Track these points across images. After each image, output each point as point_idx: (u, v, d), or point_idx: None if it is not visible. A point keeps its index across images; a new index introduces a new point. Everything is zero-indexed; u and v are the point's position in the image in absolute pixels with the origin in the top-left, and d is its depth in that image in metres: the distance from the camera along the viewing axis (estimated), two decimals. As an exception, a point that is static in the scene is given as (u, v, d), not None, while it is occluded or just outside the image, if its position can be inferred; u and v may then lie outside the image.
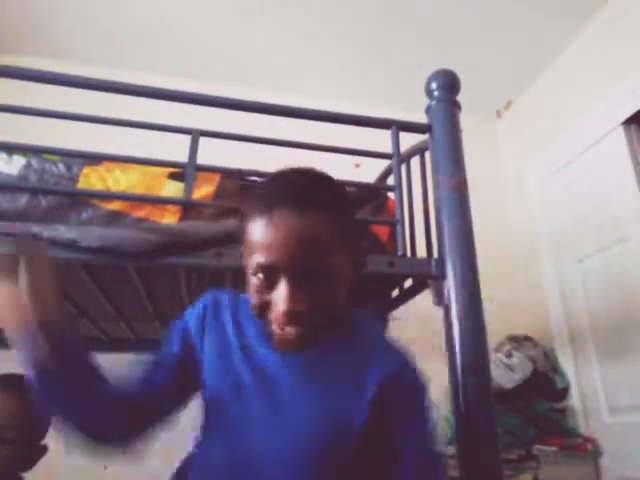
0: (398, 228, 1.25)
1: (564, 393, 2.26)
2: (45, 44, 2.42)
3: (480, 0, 2.27)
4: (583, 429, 2.17)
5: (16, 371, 1.22)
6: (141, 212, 1.13)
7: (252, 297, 0.65)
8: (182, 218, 1.14)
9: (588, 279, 2.27)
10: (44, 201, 1.08)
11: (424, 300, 1.28)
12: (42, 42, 2.42)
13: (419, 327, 1.87)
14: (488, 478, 1.06)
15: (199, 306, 0.78)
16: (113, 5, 2.26)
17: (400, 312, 1.54)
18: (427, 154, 1.39)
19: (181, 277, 1.23)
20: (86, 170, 1.16)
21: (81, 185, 1.14)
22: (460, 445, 1.12)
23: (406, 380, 0.71)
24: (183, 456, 0.80)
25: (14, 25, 2.33)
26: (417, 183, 1.40)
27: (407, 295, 1.43)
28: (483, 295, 1.19)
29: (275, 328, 0.64)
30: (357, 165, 2.13)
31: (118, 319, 1.62)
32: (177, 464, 0.80)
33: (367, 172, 1.69)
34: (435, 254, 1.26)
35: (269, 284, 0.62)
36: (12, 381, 1.17)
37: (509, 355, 2.21)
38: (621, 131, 2.14)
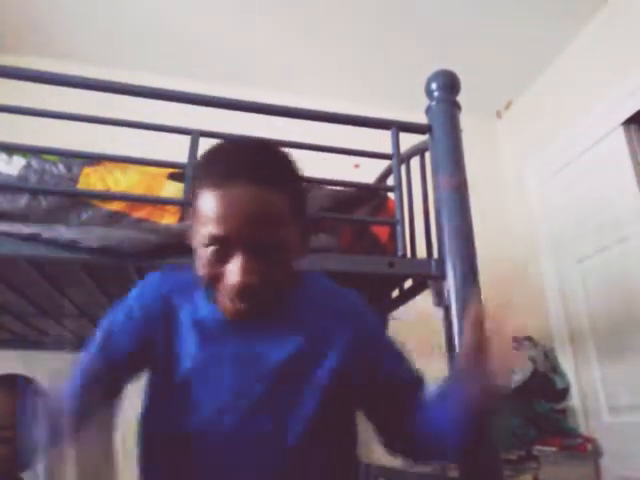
0: (398, 228, 1.25)
1: (564, 393, 2.26)
2: (45, 44, 2.42)
3: (480, 0, 2.27)
4: (583, 429, 2.17)
5: (16, 371, 1.22)
6: (141, 212, 1.13)
7: (202, 269, 0.64)
8: (182, 218, 1.14)
9: (588, 279, 2.27)
10: (44, 201, 1.08)
11: (424, 300, 1.28)
12: (42, 42, 2.42)
13: (419, 327, 1.87)
14: (488, 478, 1.06)
15: (152, 291, 0.76)
16: (113, 5, 2.26)
17: (400, 312, 1.54)
18: (427, 154, 1.39)
19: (181, 277, 1.22)
20: (86, 170, 1.16)
21: (81, 185, 1.14)
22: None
23: (371, 322, 0.77)
24: None
25: (14, 25, 2.33)
26: (417, 183, 1.40)
27: (407, 295, 1.43)
28: (483, 295, 1.19)
29: (226, 300, 0.64)
30: (357, 165, 2.12)
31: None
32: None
33: (367, 172, 1.69)
34: (435, 254, 1.26)
35: (222, 256, 0.62)
36: (11, 381, 1.17)
37: (509, 355, 2.21)
38: (621, 131, 2.14)
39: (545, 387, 2.21)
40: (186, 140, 1.20)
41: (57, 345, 1.91)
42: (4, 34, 2.35)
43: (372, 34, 2.45)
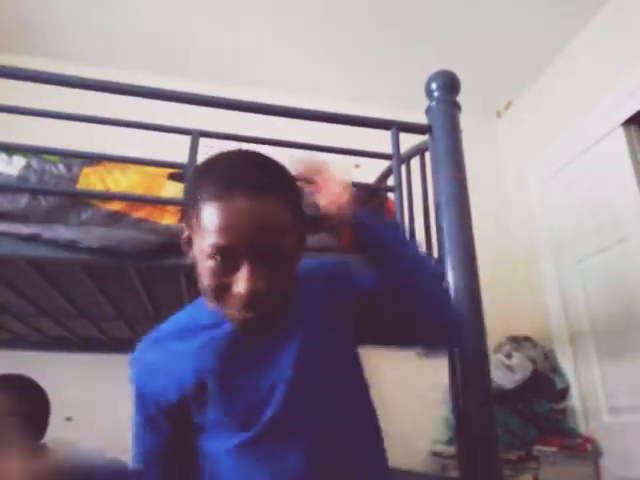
0: (398, 228, 1.25)
1: (564, 393, 2.26)
2: (38, 43, 2.41)
3: (480, 0, 2.27)
4: (583, 429, 2.17)
5: (15, 372, 1.22)
6: (141, 212, 1.13)
7: (207, 281, 0.64)
8: (182, 218, 1.14)
9: (588, 279, 2.27)
10: (44, 202, 1.08)
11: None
12: (35, 41, 2.40)
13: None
14: (488, 478, 1.06)
15: (138, 365, 0.77)
16: (107, 4, 2.26)
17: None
18: (427, 154, 1.39)
19: (181, 277, 1.23)
20: (86, 170, 1.16)
21: (81, 185, 1.14)
22: (460, 445, 1.12)
23: (344, 276, 0.81)
24: None
25: (5, 24, 2.31)
26: (417, 183, 1.40)
27: (407, 295, 1.42)
28: (483, 295, 1.19)
29: (234, 311, 0.65)
30: (357, 165, 2.12)
31: (118, 319, 1.63)
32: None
33: (367, 172, 1.69)
34: (435, 254, 1.26)
35: (227, 266, 0.63)
36: (11, 381, 1.17)
37: (509, 356, 2.21)
38: (621, 131, 2.14)
39: (545, 387, 2.22)
40: (186, 140, 1.20)
41: (57, 345, 1.91)
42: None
43: (372, 34, 2.45)
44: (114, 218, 1.11)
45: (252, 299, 0.62)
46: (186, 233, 0.70)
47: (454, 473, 1.81)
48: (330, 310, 0.77)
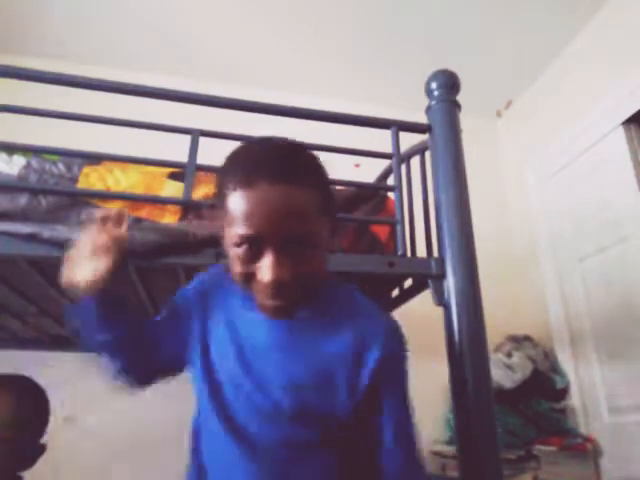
0: (398, 228, 1.25)
1: (564, 393, 2.26)
2: (37, 43, 2.41)
3: (480, 1, 2.27)
4: (583, 429, 2.17)
5: (15, 371, 1.22)
6: (141, 212, 1.13)
7: (235, 268, 0.66)
8: (182, 218, 1.14)
9: (588, 279, 2.27)
10: (44, 201, 1.08)
11: (424, 300, 1.28)
12: (34, 41, 2.40)
13: (419, 327, 1.87)
14: (488, 478, 1.06)
15: (202, 283, 0.82)
16: (109, 4, 2.26)
17: (400, 312, 1.54)
18: (427, 154, 1.39)
19: (181, 277, 1.23)
20: (86, 170, 1.16)
21: (81, 185, 1.14)
22: (460, 445, 1.12)
23: (391, 350, 0.73)
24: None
25: (5, 24, 2.30)
26: (417, 183, 1.40)
27: (407, 295, 1.43)
28: (483, 295, 1.19)
29: (262, 298, 0.66)
30: (357, 165, 2.13)
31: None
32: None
33: (367, 172, 1.69)
34: (435, 254, 1.26)
35: (253, 254, 0.63)
36: (11, 381, 1.17)
37: (509, 355, 2.21)
38: (621, 131, 2.14)
39: (545, 387, 2.22)
40: (186, 140, 1.20)
41: (57, 345, 1.91)
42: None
43: (372, 34, 2.45)
44: (114, 218, 1.11)
45: (277, 287, 0.63)
46: (218, 220, 0.71)
47: (454, 473, 1.81)
48: (375, 361, 0.71)
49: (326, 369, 0.71)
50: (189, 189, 1.14)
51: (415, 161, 1.46)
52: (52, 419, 1.24)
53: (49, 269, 1.17)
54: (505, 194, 2.89)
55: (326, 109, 1.36)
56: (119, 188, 1.15)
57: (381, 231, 1.34)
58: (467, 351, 1.12)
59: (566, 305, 2.38)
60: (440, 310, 1.19)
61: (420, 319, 1.71)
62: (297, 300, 0.67)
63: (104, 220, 0.82)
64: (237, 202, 0.63)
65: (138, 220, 1.11)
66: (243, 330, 0.75)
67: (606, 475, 2.03)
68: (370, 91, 2.78)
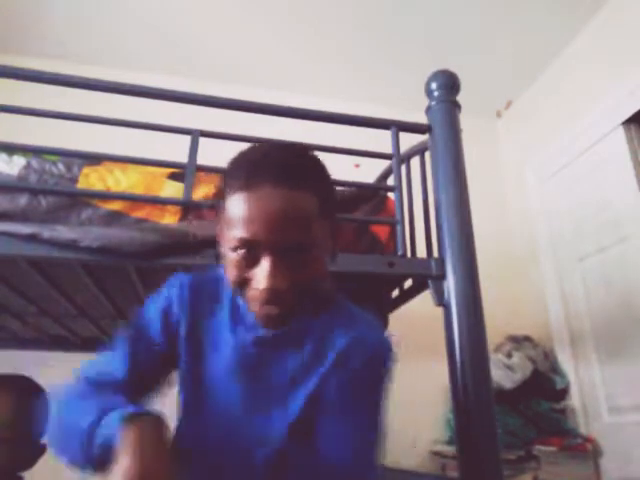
0: (398, 228, 1.25)
1: (564, 393, 2.26)
2: (37, 43, 2.41)
3: (480, 0, 2.27)
4: (583, 429, 2.17)
5: (15, 371, 1.22)
6: (141, 212, 1.13)
7: (231, 273, 0.64)
8: (182, 218, 1.14)
9: (588, 279, 2.27)
10: (44, 201, 1.08)
11: (424, 300, 1.28)
12: (34, 41, 2.40)
13: (419, 327, 1.87)
14: (488, 478, 1.06)
15: (176, 288, 0.77)
16: (109, 4, 2.26)
17: (400, 312, 1.54)
18: (427, 154, 1.39)
19: (181, 277, 1.22)
20: (86, 170, 1.16)
21: (81, 185, 1.14)
22: (460, 445, 1.12)
23: (365, 348, 0.70)
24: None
25: (5, 24, 2.31)
26: (417, 183, 1.40)
27: (407, 295, 1.43)
28: (483, 295, 1.19)
29: (255, 305, 0.64)
30: (357, 165, 2.13)
31: (118, 318, 1.62)
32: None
33: (367, 172, 1.69)
34: (435, 254, 1.26)
35: (250, 260, 0.61)
36: (10, 381, 1.17)
37: (509, 355, 2.21)
38: (621, 131, 2.14)
39: (545, 387, 2.21)
40: (186, 140, 1.20)
41: (57, 345, 1.91)
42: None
43: (372, 34, 2.45)
44: (114, 218, 1.11)
45: (272, 295, 0.61)
46: (218, 223, 0.69)
47: (454, 473, 1.81)
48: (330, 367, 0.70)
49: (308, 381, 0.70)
50: (189, 189, 1.14)
51: (415, 161, 1.46)
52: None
53: (49, 269, 1.17)
54: (505, 194, 2.89)
55: (326, 109, 1.36)
56: (119, 188, 1.15)
57: (381, 231, 1.34)
58: (467, 351, 1.12)
59: (566, 305, 2.38)
60: (440, 310, 1.19)
61: (420, 319, 1.71)
62: (293, 309, 0.65)
63: None
64: (237, 205, 0.61)
65: (138, 220, 1.11)
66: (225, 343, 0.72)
67: (606, 475, 2.03)
68: (370, 91, 2.78)
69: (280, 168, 0.61)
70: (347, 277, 1.13)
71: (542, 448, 2.01)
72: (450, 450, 1.99)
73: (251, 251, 0.61)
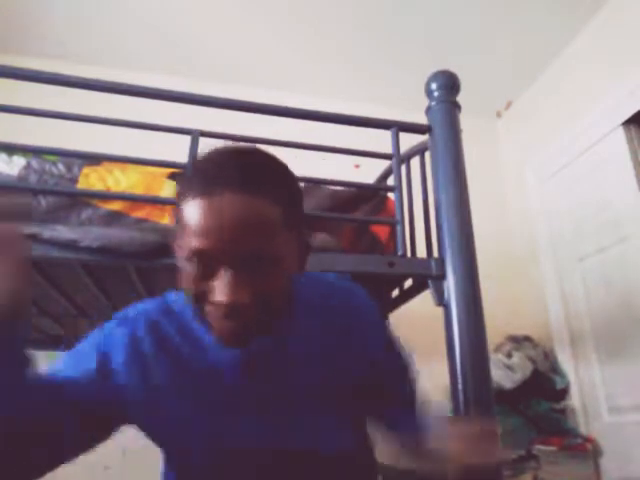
0: (398, 228, 1.25)
1: (564, 393, 2.26)
2: (38, 43, 2.41)
3: (480, 0, 2.27)
4: (583, 429, 2.17)
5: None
6: (141, 212, 1.13)
7: (186, 287, 0.58)
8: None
9: (588, 279, 2.27)
10: (44, 201, 1.08)
11: (424, 300, 1.28)
12: (34, 41, 2.41)
13: (419, 327, 1.87)
14: (488, 478, 1.06)
15: (124, 336, 0.67)
16: (109, 4, 2.26)
17: (400, 312, 1.54)
18: (427, 154, 1.39)
19: (181, 277, 1.23)
20: (86, 170, 1.16)
21: (81, 185, 1.14)
22: (460, 445, 1.12)
23: (371, 337, 0.77)
24: None
25: (5, 24, 2.31)
26: (417, 183, 1.40)
27: (407, 295, 1.43)
28: (483, 295, 1.19)
29: (214, 321, 0.58)
30: (357, 165, 2.13)
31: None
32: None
33: (367, 172, 1.69)
34: (435, 254, 1.26)
35: (206, 272, 0.56)
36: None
37: (509, 355, 2.21)
38: (621, 131, 2.14)
39: (545, 387, 2.22)
40: (186, 140, 1.20)
41: (57, 345, 1.91)
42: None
43: (372, 34, 2.45)
44: (114, 218, 1.11)
45: (232, 309, 0.55)
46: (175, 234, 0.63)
47: (454, 473, 1.81)
48: (340, 349, 0.71)
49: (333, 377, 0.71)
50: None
51: (415, 161, 1.46)
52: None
53: (49, 269, 1.17)
54: (505, 194, 2.89)
55: (326, 109, 1.36)
56: (119, 188, 1.15)
57: (381, 231, 1.34)
58: (467, 351, 1.12)
59: (566, 305, 2.38)
60: (440, 310, 1.19)
61: (420, 319, 1.71)
62: (257, 324, 0.59)
63: None
64: (192, 212, 0.56)
65: (138, 220, 1.11)
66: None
67: (606, 475, 2.03)
68: (370, 91, 2.78)
69: (238, 173, 0.56)
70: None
71: (542, 448, 2.01)
72: (450, 450, 1.99)
73: (207, 262, 0.56)
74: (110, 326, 0.69)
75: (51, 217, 1.07)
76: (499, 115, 3.07)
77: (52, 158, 1.16)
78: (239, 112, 1.29)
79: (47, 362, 0.72)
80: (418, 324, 1.84)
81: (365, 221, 1.33)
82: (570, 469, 1.99)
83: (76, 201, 1.11)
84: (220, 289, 0.55)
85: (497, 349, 2.29)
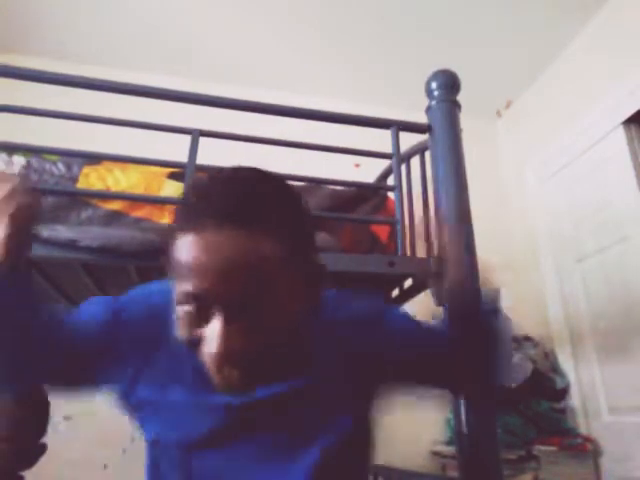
0: (398, 228, 1.25)
1: (564, 393, 2.26)
2: (38, 43, 2.41)
3: (481, 1, 2.27)
4: (583, 429, 2.17)
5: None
6: (141, 212, 1.13)
7: (179, 330, 0.53)
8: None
9: (588, 279, 2.27)
10: (44, 201, 1.08)
11: (424, 300, 1.28)
12: (34, 41, 2.41)
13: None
14: (488, 478, 1.06)
15: (144, 317, 0.66)
16: (108, 4, 2.26)
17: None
18: (427, 154, 1.39)
19: (181, 277, 1.22)
20: (86, 170, 1.16)
21: (81, 185, 1.14)
22: (460, 445, 1.12)
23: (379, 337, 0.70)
24: None
25: (6, 24, 2.31)
26: (417, 183, 1.40)
27: (407, 295, 1.43)
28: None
29: (211, 368, 0.52)
30: (357, 165, 2.13)
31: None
32: None
33: (367, 172, 1.69)
34: (435, 254, 1.26)
35: (199, 316, 0.51)
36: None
37: (509, 355, 2.22)
38: (621, 131, 2.14)
39: (545, 387, 2.22)
40: (186, 140, 1.20)
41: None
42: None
43: (372, 34, 2.45)
44: (114, 217, 1.11)
45: (224, 360, 0.50)
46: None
47: (454, 473, 1.81)
48: (351, 360, 0.66)
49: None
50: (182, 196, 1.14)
51: (415, 161, 1.46)
52: (52, 419, 1.24)
53: (49, 269, 1.17)
54: (505, 194, 2.89)
55: (326, 109, 1.36)
56: (119, 188, 1.15)
57: (381, 231, 1.34)
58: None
59: (566, 305, 2.38)
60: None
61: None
62: (257, 371, 0.53)
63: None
64: (180, 250, 0.51)
65: (138, 220, 1.11)
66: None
67: (606, 475, 2.03)
68: (370, 91, 2.78)
69: (225, 202, 0.50)
70: (347, 277, 1.13)
71: (542, 448, 2.01)
72: (450, 450, 1.99)
73: (200, 307, 0.50)
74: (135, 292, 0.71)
75: (51, 217, 1.07)
76: (499, 115, 3.07)
77: (52, 157, 1.16)
78: (239, 112, 1.29)
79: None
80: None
81: (365, 221, 1.32)
82: (570, 469, 1.99)
83: (76, 201, 1.10)
84: (211, 339, 0.50)
85: (497, 349, 2.29)
